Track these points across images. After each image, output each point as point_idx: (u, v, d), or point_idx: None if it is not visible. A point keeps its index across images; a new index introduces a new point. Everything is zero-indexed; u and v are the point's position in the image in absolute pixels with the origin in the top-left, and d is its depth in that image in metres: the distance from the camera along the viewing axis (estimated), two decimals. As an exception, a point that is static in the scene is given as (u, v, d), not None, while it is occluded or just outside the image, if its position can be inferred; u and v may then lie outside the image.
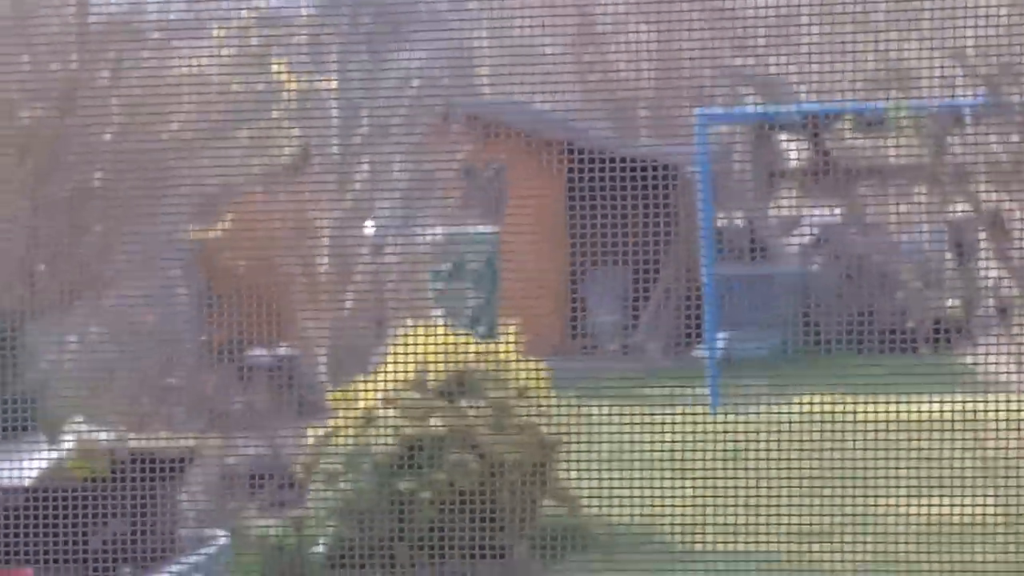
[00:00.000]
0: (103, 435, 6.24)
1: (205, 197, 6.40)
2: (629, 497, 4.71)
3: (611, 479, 4.74)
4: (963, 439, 4.47)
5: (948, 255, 7.38)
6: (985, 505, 4.73)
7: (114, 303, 6.04)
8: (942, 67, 4.48)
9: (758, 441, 4.58)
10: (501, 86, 5.94)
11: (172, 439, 6.54)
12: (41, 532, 5.09)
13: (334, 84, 6.96)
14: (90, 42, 6.11)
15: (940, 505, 4.64)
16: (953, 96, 5.70)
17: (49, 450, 6.10)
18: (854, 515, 4.69)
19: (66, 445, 6.17)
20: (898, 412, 4.61)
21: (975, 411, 4.57)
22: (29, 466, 5.82)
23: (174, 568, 6.32)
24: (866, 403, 4.72)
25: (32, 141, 5.87)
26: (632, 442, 4.70)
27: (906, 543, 4.58)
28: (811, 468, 4.58)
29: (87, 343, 6.16)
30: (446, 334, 6.78)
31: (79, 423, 6.34)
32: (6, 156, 5.82)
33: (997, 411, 4.60)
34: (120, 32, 6.24)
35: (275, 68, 6.66)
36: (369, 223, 7.90)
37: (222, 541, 6.75)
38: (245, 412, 7.29)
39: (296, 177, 6.55)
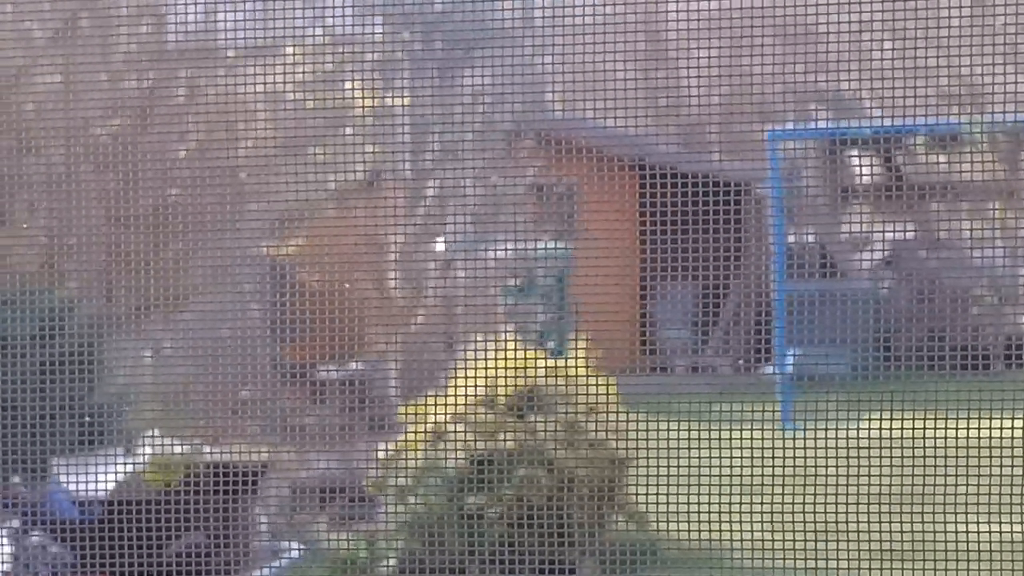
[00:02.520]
0: (178, 447, 6.32)
1: (279, 214, 6.47)
2: (698, 515, 4.70)
3: (680, 496, 4.74)
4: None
5: (1022, 272, 7.31)
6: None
7: (190, 317, 6.12)
8: (1015, 81, 4.45)
9: (829, 459, 4.57)
10: (572, 105, 5.96)
11: (245, 452, 6.60)
12: (117, 543, 5.15)
13: (406, 102, 7.02)
14: (166, 60, 6.20)
15: (1012, 528, 4.60)
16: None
17: (125, 462, 6.18)
18: (924, 536, 4.66)
19: (142, 456, 6.25)
20: (972, 431, 4.58)
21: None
22: (106, 477, 5.90)
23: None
24: (939, 422, 4.69)
25: (110, 156, 5.96)
26: (702, 459, 4.69)
27: (976, 566, 4.54)
28: (884, 487, 4.55)
29: (162, 356, 6.24)
30: (516, 351, 6.80)
31: (155, 435, 6.42)
32: (86, 171, 5.92)
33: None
34: (195, 51, 6.34)
35: (348, 87, 6.73)
36: (440, 240, 7.95)
37: (294, 554, 6.81)
38: (317, 427, 7.34)
39: (369, 195, 6.61)
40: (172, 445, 6.45)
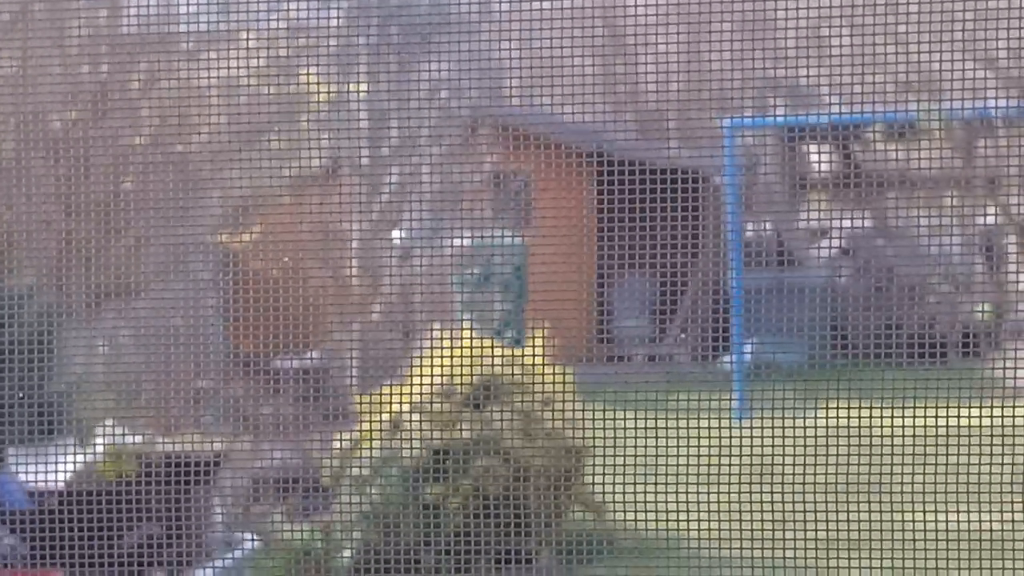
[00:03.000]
0: (132, 438, 6.28)
1: (234, 204, 6.44)
2: (655, 504, 4.71)
3: (637, 487, 4.74)
4: (992, 449, 4.45)
5: (978, 263, 7.36)
6: (1015, 517, 4.71)
7: (144, 307, 6.08)
8: (973, 73, 4.47)
9: (784, 450, 4.58)
10: (529, 96, 5.96)
11: (200, 443, 6.57)
12: (71, 534, 5.12)
13: (363, 92, 7.00)
14: (122, 49, 6.15)
15: (968, 517, 4.63)
16: (984, 103, 5.68)
17: (80, 453, 6.14)
18: (880, 526, 4.68)
19: (96, 448, 6.22)
20: (926, 421, 4.60)
21: (1004, 421, 4.56)
22: (60, 468, 5.86)
23: (202, 572, 6.35)
24: (893, 412, 4.71)
25: (64, 145, 5.91)
26: (658, 449, 4.70)
27: (932, 555, 4.57)
28: (837, 477, 4.57)
29: (117, 346, 6.20)
30: (473, 341, 6.80)
31: (109, 426, 6.38)
32: (39, 160, 5.87)
33: (1026, 420, 4.58)
34: (151, 40, 6.29)
35: (304, 77, 6.70)
36: (397, 231, 7.93)
37: (249, 546, 6.78)
38: (273, 418, 7.31)
39: (325, 185, 6.58)
40: (126, 435, 6.41)
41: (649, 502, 4.71)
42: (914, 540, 4.59)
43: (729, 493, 4.73)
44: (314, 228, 6.55)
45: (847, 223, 8.12)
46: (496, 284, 8.26)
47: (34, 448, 5.88)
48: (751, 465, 4.68)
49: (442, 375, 6.55)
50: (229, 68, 5.28)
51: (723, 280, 7.51)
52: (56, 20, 5.78)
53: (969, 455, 4.44)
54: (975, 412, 4.62)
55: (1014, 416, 4.66)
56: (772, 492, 4.65)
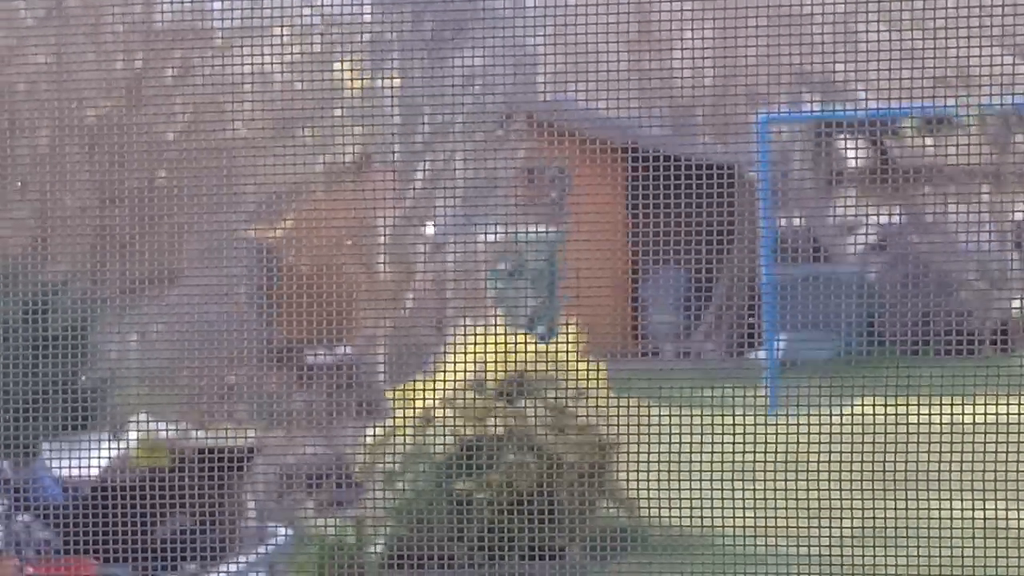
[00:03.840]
0: (165, 430, 6.31)
1: (268, 196, 6.46)
2: (687, 499, 4.70)
3: (669, 481, 4.74)
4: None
5: (1013, 256, 7.32)
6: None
7: (178, 299, 6.11)
8: (1007, 65, 4.45)
9: (817, 444, 4.57)
10: (562, 88, 5.96)
11: (233, 436, 6.60)
12: (104, 525, 5.15)
13: (397, 84, 7.01)
14: (156, 41, 6.18)
15: (1002, 509, 4.61)
16: (1018, 95, 5.65)
17: (113, 444, 6.17)
18: (914, 519, 4.67)
19: (130, 439, 6.25)
20: (960, 415, 4.58)
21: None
22: (94, 459, 5.90)
23: (234, 563, 6.37)
24: (927, 406, 4.70)
25: (99, 136, 5.95)
26: (691, 444, 4.69)
27: (967, 548, 4.55)
28: (871, 471, 4.56)
29: (150, 339, 6.23)
30: (506, 335, 6.80)
31: (142, 418, 6.41)
32: (75, 151, 5.91)
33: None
34: (185, 31, 6.32)
35: (337, 68, 6.71)
36: (430, 223, 7.94)
37: (281, 538, 6.80)
38: (305, 411, 7.34)
39: (358, 177, 6.59)
40: (160, 428, 6.44)
41: (680, 497, 4.71)
42: (941, 534, 4.57)
43: (762, 488, 4.72)
44: (347, 221, 6.57)
45: (880, 218, 8.08)
46: (530, 277, 8.27)
47: (68, 440, 5.92)
48: (785, 461, 4.67)
49: (474, 369, 6.56)
50: (262, 61, 5.31)
51: (755, 274, 7.49)
52: (91, 12, 5.82)
53: (997, 449, 4.42)
54: (1009, 406, 4.59)
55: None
56: (805, 487, 4.64)
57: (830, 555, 4.65)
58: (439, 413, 6.57)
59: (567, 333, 6.78)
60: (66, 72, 5.65)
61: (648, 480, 4.83)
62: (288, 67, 5.70)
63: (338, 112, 6.61)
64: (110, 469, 6.03)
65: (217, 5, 5.54)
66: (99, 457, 6.01)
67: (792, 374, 7.14)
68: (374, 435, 6.83)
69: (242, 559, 6.44)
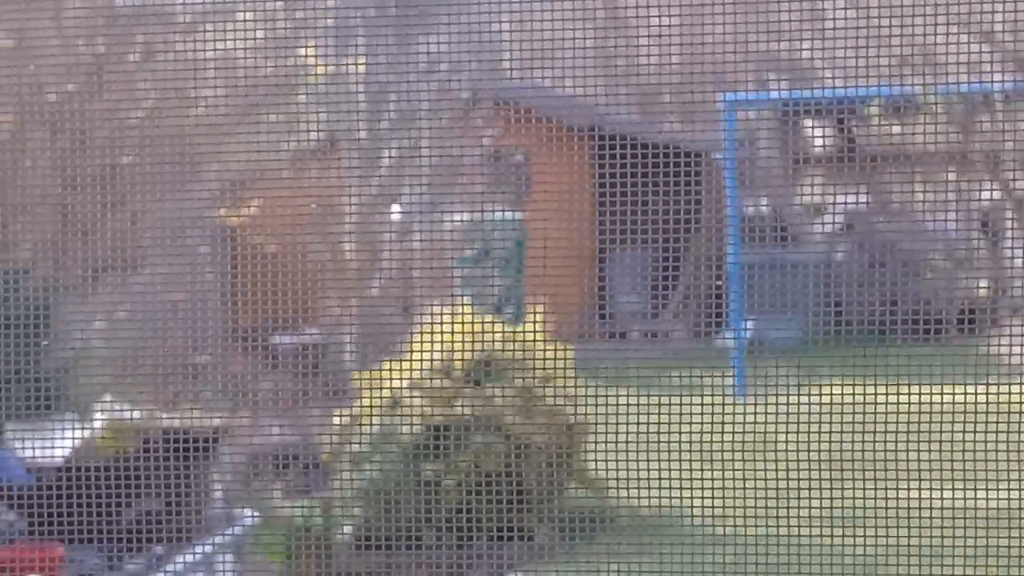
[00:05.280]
0: (131, 413, 6.29)
1: (232, 179, 6.43)
2: (654, 481, 4.71)
3: (636, 463, 4.75)
4: (987, 427, 4.45)
5: (977, 240, 7.35)
6: (1012, 495, 4.71)
7: (142, 282, 6.07)
8: (972, 50, 4.45)
9: (783, 427, 4.58)
10: (527, 71, 5.94)
11: (199, 419, 6.58)
12: (71, 509, 5.13)
13: (361, 67, 6.98)
14: (119, 23, 6.14)
15: (966, 494, 4.63)
16: (983, 79, 5.66)
17: (79, 428, 6.14)
18: (879, 503, 4.69)
19: (95, 423, 6.22)
20: (924, 399, 4.60)
21: (1001, 398, 4.55)
22: (59, 444, 5.87)
23: (201, 547, 6.36)
24: (892, 390, 4.71)
25: (61, 120, 5.91)
26: (657, 426, 4.70)
27: (931, 531, 4.57)
28: (836, 455, 4.57)
29: (115, 321, 6.20)
30: (472, 318, 6.80)
31: (108, 401, 6.38)
32: (37, 134, 5.87)
33: None
34: (148, 14, 6.27)
35: (302, 51, 6.68)
36: (396, 207, 7.92)
37: (248, 521, 6.79)
38: (271, 395, 7.32)
39: (323, 160, 6.57)
40: (125, 411, 6.42)
41: (648, 479, 4.71)
42: (912, 517, 4.59)
43: (728, 470, 4.73)
44: (312, 204, 6.55)
45: (845, 200, 8.10)
46: (495, 261, 8.26)
47: (33, 423, 5.89)
48: (751, 443, 4.68)
49: (441, 352, 6.55)
50: (226, 43, 5.27)
51: (721, 257, 7.51)
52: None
53: (965, 432, 4.44)
54: (973, 389, 4.61)
55: (1010, 393, 4.66)
56: (771, 469, 4.66)
57: (796, 538, 4.67)
58: (407, 396, 6.57)
59: (534, 316, 6.78)
60: (27, 55, 5.60)
61: (615, 462, 4.84)
62: (252, 50, 5.66)
63: (302, 96, 6.58)
64: (76, 452, 6.00)
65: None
66: (64, 440, 5.98)
67: (758, 357, 7.16)
68: (342, 418, 6.82)
69: (208, 542, 6.43)
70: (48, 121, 5.88)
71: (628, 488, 4.83)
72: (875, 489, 4.70)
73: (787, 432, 4.58)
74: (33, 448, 5.87)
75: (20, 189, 6.07)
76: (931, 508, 4.66)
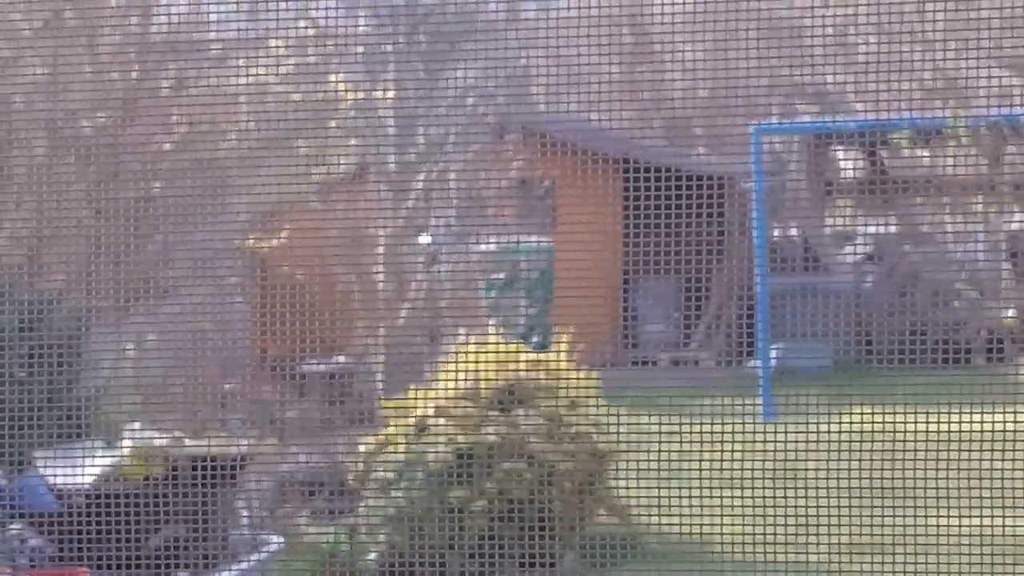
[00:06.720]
0: (158, 439, 6.31)
1: (262, 208, 6.47)
2: (681, 508, 4.71)
3: (663, 490, 4.75)
4: (1015, 453, 4.45)
5: (1004, 267, 7.33)
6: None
7: (172, 310, 6.11)
8: (999, 78, 4.47)
9: (811, 453, 4.58)
10: (557, 102, 5.98)
11: (227, 445, 6.60)
12: (98, 535, 5.15)
13: (391, 97, 7.02)
14: (152, 54, 6.19)
15: (994, 520, 4.62)
16: (1011, 107, 5.68)
17: (106, 454, 6.17)
18: (907, 529, 4.68)
19: (123, 449, 6.25)
20: (952, 425, 4.59)
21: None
22: (87, 469, 5.90)
23: (228, 572, 6.37)
24: (919, 416, 4.71)
25: (95, 149, 5.96)
26: (684, 453, 4.70)
27: (959, 558, 4.56)
28: (864, 481, 4.57)
29: (144, 349, 6.24)
30: (499, 345, 6.81)
31: (135, 427, 6.41)
32: (70, 163, 5.92)
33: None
34: (181, 45, 6.33)
35: (332, 81, 6.72)
36: (424, 234, 7.95)
37: (275, 547, 6.80)
38: (300, 420, 7.34)
39: (353, 188, 6.61)
40: (152, 437, 6.44)
41: (674, 505, 4.72)
42: (939, 543, 4.59)
43: (756, 496, 4.73)
44: (342, 232, 6.58)
45: (873, 228, 8.10)
46: (523, 288, 8.28)
47: (62, 449, 5.92)
48: (778, 469, 4.68)
49: (468, 379, 6.56)
50: (258, 73, 5.32)
51: (749, 284, 7.51)
52: (88, 25, 5.82)
53: (993, 458, 4.43)
54: (1000, 415, 4.61)
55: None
56: (798, 495, 4.65)
57: (823, 565, 4.67)
58: (434, 422, 6.58)
59: (560, 343, 6.79)
60: (62, 85, 5.66)
61: (642, 488, 4.84)
62: (284, 79, 5.71)
63: (334, 124, 6.62)
64: (103, 478, 6.03)
65: (213, 18, 5.56)
66: (92, 466, 6.01)
67: (786, 383, 7.16)
68: (369, 444, 6.84)
69: (235, 567, 6.44)
70: (81, 151, 5.94)
71: (654, 515, 4.83)
72: (905, 515, 4.70)
73: (814, 457, 4.58)
74: (61, 474, 5.90)
75: (53, 218, 6.12)
76: (960, 533, 4.66)
